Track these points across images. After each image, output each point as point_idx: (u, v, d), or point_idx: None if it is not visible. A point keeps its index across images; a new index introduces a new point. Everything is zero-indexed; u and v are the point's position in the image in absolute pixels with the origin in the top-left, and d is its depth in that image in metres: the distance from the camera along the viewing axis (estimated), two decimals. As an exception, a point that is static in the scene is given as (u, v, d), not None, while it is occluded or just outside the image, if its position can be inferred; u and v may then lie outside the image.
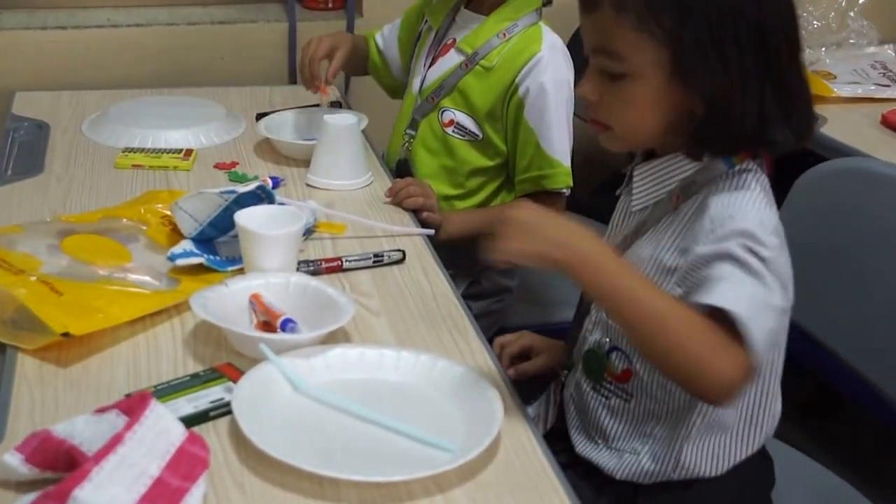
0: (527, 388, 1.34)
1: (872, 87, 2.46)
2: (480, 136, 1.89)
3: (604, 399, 1.30)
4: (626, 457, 1.28)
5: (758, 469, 1.33)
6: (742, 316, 1.04)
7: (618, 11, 1.12)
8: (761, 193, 1.15)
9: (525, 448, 1.15)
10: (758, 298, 1.06)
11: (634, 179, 1.25)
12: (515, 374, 1.42)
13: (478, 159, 1.91)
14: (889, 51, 2.69)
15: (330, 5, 2.70)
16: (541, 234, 1.08)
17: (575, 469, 1.28)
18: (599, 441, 1.31)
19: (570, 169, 1.87)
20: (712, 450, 1.24)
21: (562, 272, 1.07)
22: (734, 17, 1.10)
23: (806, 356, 1.71)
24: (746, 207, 1.13)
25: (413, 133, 1.95)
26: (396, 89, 2.14)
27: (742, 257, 1.08)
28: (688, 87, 1.13)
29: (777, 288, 1.09)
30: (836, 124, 2.24)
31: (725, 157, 1.17)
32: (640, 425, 1.27)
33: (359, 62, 2.16)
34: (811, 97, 1.18)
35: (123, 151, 1.92)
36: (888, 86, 2.48)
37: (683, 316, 1.05)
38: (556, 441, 1.33)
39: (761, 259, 1.08)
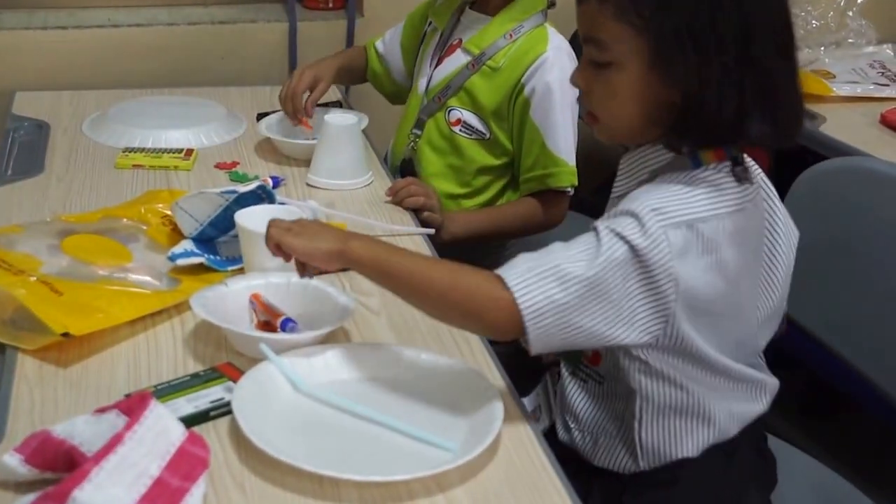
0: (522, 380, 1.34)
1: (871, 87, 2.46)
2: (487, 135, 1.90)
3: (582, 383, 1.31)
4: (602, 440, 1.28)
5: (757, 468, 1.33)
6: (507, 278, 1.12)
7: (600, 1, 1.15)
8: (702, 191, 1.14)
9: (525, 447, 1.16)
10: (553, 267, 1.11)
11: (618, 168, 1.27)
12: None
13: (485, 158, 1.92)
14: (888, 50, 2.69)
15: (330, 5, 2.70)
16: (323, 235, 1.22)
17: (566, 465, 1.28)
18: (573, 425, 1.31)
19: (575, 168, 1.88)
20: (672, 431, 1.24)
21: (344, 264, 1.21)
22: (713, 8, 1.11)
23: (806, 355, 1.72)
24: (656, 194, 1.14)
25: (419, 133, 1.95)
26: (398, 95, 2.13)
27: (601, 230, 1.12)
28: (666, 77, 1.13)
29: (610, 265, 1.10)
30: (835, 123, 2.24)
31: (694, 155, 1.17)
32: (611, 408, 1.28)
33: (355, 74, 2.16)
34: (801, 98, 1.18)
35: (124, 151, 1.92)
36: (887, 85, 2.48)
37: (454, 274, 1.17)
38: (552, 434, 1.34)
39: (620, 237, 1.10)
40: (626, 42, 1.14)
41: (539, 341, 1.12)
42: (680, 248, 1.11)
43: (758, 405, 1.29)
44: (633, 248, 1.09)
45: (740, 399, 1.27)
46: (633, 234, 1.10)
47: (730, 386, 1.24)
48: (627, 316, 1.12)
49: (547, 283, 1.10)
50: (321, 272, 1.27)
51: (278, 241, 1.22)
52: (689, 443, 1.24)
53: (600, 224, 1.13)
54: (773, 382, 1.30)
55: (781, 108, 1.15)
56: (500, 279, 1.13)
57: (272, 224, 1.24)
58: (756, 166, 1.26)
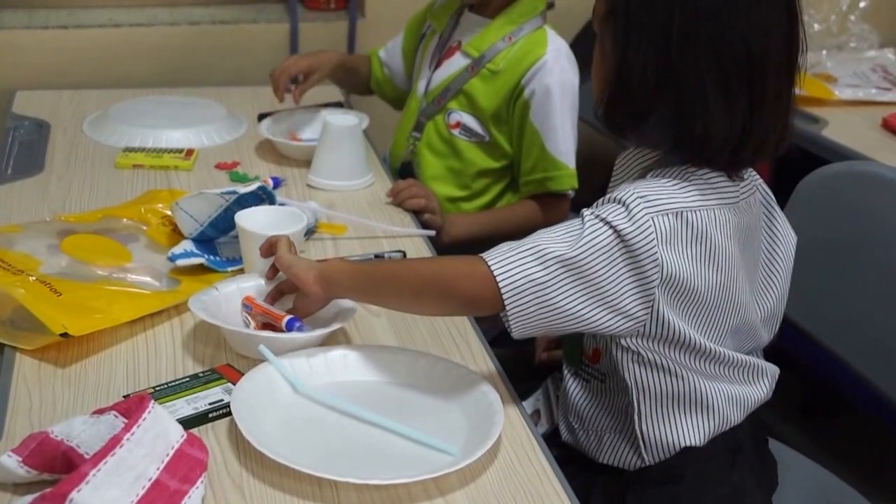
0: (521, 384, 1.34)
1: (873, 91, 2.46)
2: (487, 137, 1.89)
3: (584, 382, 1.31)
4: (606, 437, 1.28)
5: (758, 471, 1.33)
6: (487, 257, 1.16)
7: None
8: (692, 185, 1.16)
9: (525, 450, 1.15)
10: (533, 246, 1.14)
11: (614, 168, 1.29)
12: (548, 358, 1.45)
13: (484, 161, 1.91)
14: (889, 54, 2.69)
15: (332, 5, 2.69)
16: (306, 260, 1.30)
17: (568, 464, 1.28)
18: (577, 425, 1.31)
19: (575, 171, 1.87)
20: (671, 419, 1.24)
21: (323, 276, 1.26)
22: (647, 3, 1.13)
23: (807, 357, 1.71)
24: (645, 185, 1.15)
25: (418, 136, 1.95)
26: (401, 100, 2.12)
27: (586, 216, 1.14)
28: (608, 53, 1.17)
29: (593, 248, 1.11)
30: (836, 127, 2.24)
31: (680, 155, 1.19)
32: (612, 404, 1.28)
33: (357, 78, 2.15)
34: (746, 134, 1.14)
35: (124, 151, 1.92)
36: (889, 89, 2.48)
37: (434, 260, 1.30)
38: (552, 436, 1.34)
39: (605, 222, 1.12)
40: (598, 16, 1.20)
41: (519, 320, 1.14)
42: (666, 235, 1.12)
43: (758, 390, 1.28)
44: (617, 234, 1.11)
45: (737, 382, 1.26)
46: (618, 219, 1.12)
47: (725, 371, 1.25)
48: (613, 301, 1.13)
49: (526, 261, 1.13)
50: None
51: (273, 246, 1.32)
52: (691, 430, 1.24)
53: (587, 210, 1.15)
54: (772, 368, 1.30)
55: (694, 130, 1.13)
56: (480, 258, 1.16)
57: (281, 237, 1.33)
58: (753, 172, 1.26)
